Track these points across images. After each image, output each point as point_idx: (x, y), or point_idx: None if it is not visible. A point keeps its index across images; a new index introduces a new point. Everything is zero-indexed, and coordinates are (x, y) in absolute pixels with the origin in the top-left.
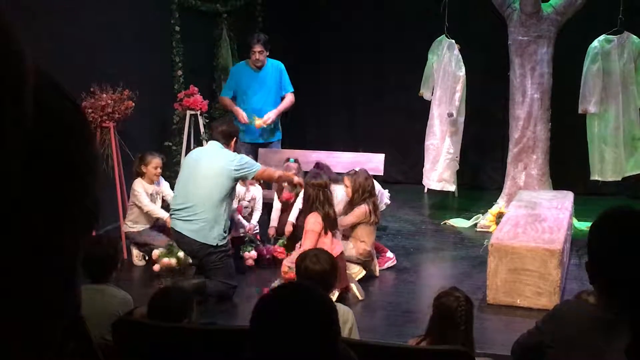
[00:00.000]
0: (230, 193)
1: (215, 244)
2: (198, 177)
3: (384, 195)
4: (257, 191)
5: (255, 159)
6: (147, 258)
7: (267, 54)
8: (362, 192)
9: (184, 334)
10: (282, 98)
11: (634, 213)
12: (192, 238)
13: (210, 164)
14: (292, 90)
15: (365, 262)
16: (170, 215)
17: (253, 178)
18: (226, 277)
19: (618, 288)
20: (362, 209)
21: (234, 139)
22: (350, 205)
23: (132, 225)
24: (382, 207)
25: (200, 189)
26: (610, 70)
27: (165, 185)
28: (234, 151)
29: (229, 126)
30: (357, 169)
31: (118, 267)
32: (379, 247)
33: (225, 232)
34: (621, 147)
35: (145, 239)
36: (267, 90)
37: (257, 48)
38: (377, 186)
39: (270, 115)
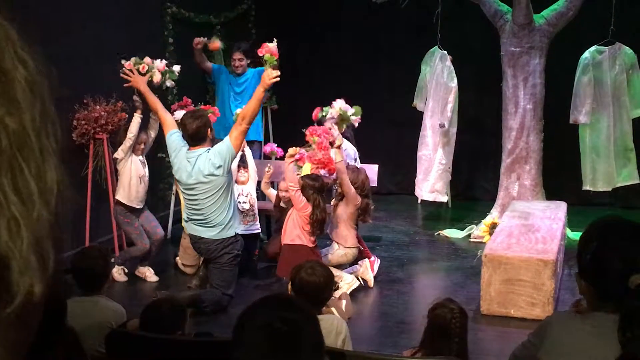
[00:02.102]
0: (230, 182)
1: (234, 234)
2: (201, 200)
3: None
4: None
5: None
6: (126, 272)
7: (248, 62)
8: (361, 189)
9: (177, 345)
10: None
11: (624, 222)
12: (211, 238)
13: (203, 181)
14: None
15: (356, 253)
16: (185, 220)
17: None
18: (226, 283)
19: (608, 299)
20: (359, 199)
21: (208, 129)
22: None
23: (121, 199)
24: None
25: (207, 205)
26: (601, 81)
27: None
28: (212, 138)
29: (199, 120)
30: (357, 167)
31: (110, 279)
32: (365, 251)
33: (236, 221)
34: (612, 157)
35: (129, 230)
36: (247, 97)
37: (237, 55)
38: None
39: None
